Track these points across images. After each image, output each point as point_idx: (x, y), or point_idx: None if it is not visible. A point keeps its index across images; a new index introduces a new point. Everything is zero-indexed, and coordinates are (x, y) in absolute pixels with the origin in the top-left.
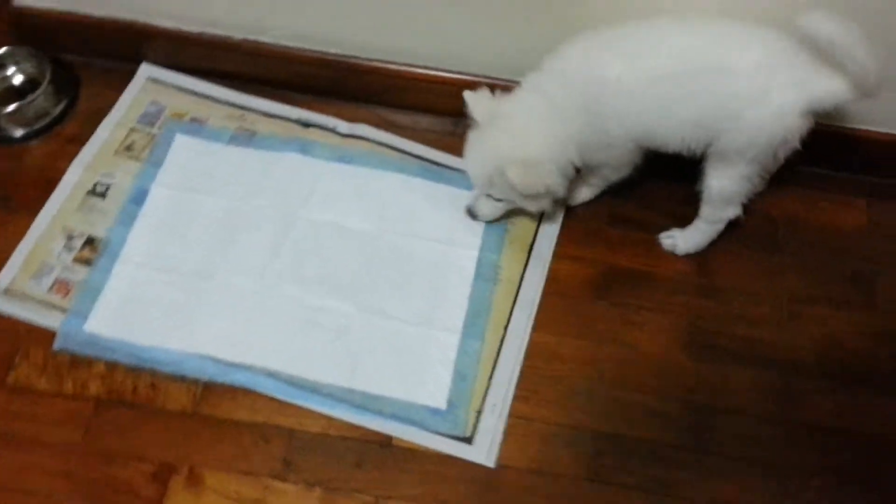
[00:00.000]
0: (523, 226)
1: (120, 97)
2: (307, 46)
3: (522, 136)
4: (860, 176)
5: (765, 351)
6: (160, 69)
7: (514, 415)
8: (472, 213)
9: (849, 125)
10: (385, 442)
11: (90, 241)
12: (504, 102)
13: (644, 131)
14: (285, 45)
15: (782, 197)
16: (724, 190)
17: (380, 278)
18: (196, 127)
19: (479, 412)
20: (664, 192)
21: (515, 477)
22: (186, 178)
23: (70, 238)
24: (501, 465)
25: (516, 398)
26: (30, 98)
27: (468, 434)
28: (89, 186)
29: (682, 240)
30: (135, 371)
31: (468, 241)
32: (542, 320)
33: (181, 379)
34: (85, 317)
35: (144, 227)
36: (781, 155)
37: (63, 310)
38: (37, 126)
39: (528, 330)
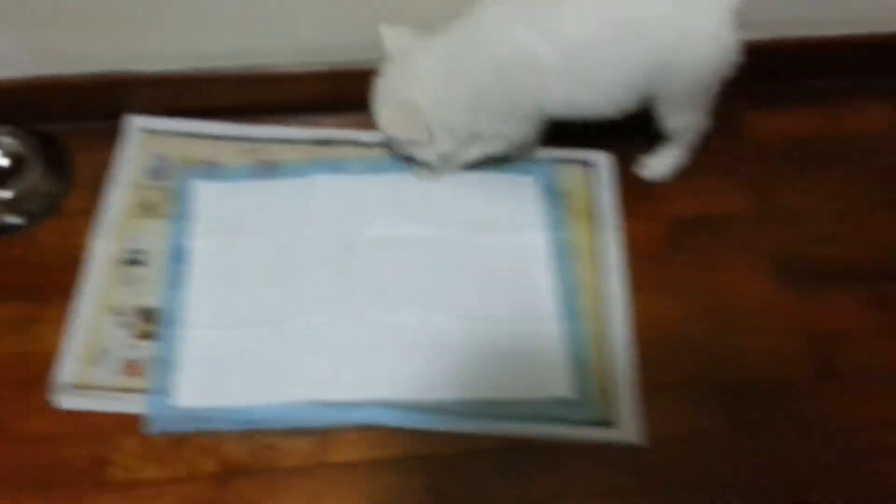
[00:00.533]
0: (580, 195)
1: (117, 157)
2: (305, 60)
3: (412, 80)
4: (869, 79)
5: (853, 265)
6: (150, 118)
7: (642, 386)
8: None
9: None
10: (527, 445)
11: (144, 314)
12: (418, 44)
13: (564, 103)
14: (281, 64)
15: (808, 113)
16: (687, 123)
17: (460, 283)
18: (211, 170)
19: (610, 391)
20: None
21: (667, 448)
22: (222, 224)
23: (121, 315)
24: (650, 441)
25: (638, 369)
26: (25, 181)
27: (607, 417)
28: (121, 256)
29: (657, 163)
30: (244, 436)
31: (532, 223)
32: (635, 285)
33: (297, 432)
34: (169, 392)
35: (197, 285)
36: (726, 74)
37: (142, 391)
38: (35, 210)
39: (625, 299)
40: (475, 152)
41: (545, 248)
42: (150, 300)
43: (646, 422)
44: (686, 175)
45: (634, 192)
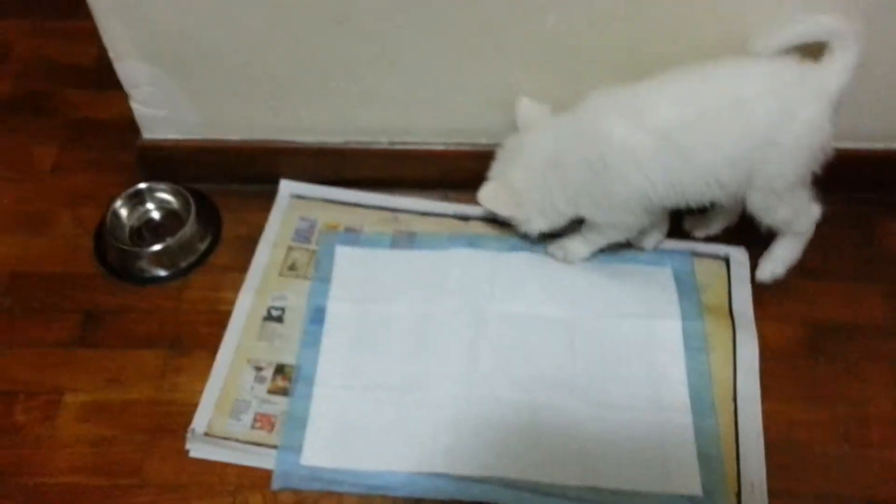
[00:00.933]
0: (716, 290)
1: (268, 218)
2: (454, 140)
3: (517, 162)
4: None
5: None
6: (301, 184)
7: (773, 493)
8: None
9: None
10: None
11: (280, 370)
12: (537, 125)
13: (659, 189)
14: (432, 142)
15: None
16: (786, 218)
17: (592, 366)
18: (353, 236)
19: (739, 494)
20: (841, 238)
21: None
22: (360, 289)
23: (259, 369)
24: None
25: (770, 474)
26: (179, 236)
27: None
28: (264, 312)
29: (777, 265)
30: (366, 499)
31: (667, 311)
32: (766, 386)
33: (418, 502)
34: (298, 450)
35: (332, 346)
36: (819, 166)
37: (272, 445)
38: (183, 264)
39: (759, 399)
40: (594, 239)
41: (679, 338)
42: (287, 357)
43: None
44: (823, 277)
45: (771, 290)
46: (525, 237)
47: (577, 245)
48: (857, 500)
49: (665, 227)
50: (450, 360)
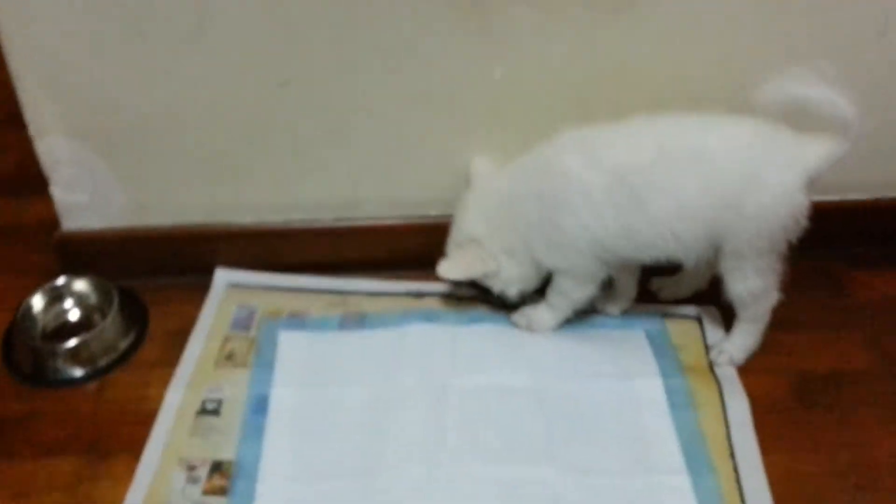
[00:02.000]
0: (692, 350)
1: (201, 311)
2: (404, 213)
3: (469, 214)
4: None
5: None
6: (239, 272)
7: None
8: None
9: None
10: None
11: (217, 467)
12: (488, 179)
13: (611, 232)
14: (381, 216)
15: None
16: (754, 290)
17: (569, 434)
18: (298, 321)
19: None
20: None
21: None
22: (307, 373)
23: (192, 468)
24: None
25: None
26: (98, 329)
27: None
28: (197, 406)
29: (735, 349)
30: None
31: (644, 370)
32: (764, 439)
33: None
34: None
35: (277, 436)
36: (794, 235)
37: None
38: (103, 363)
39: (758, 454)
40: (558, 303)
41: (662, 395)
42: (225, 453)
43: None
44: (800, 329)
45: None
46: (499, 302)
47: (541, 313)
48: None
49: (632, 293)
50: (412, 440)
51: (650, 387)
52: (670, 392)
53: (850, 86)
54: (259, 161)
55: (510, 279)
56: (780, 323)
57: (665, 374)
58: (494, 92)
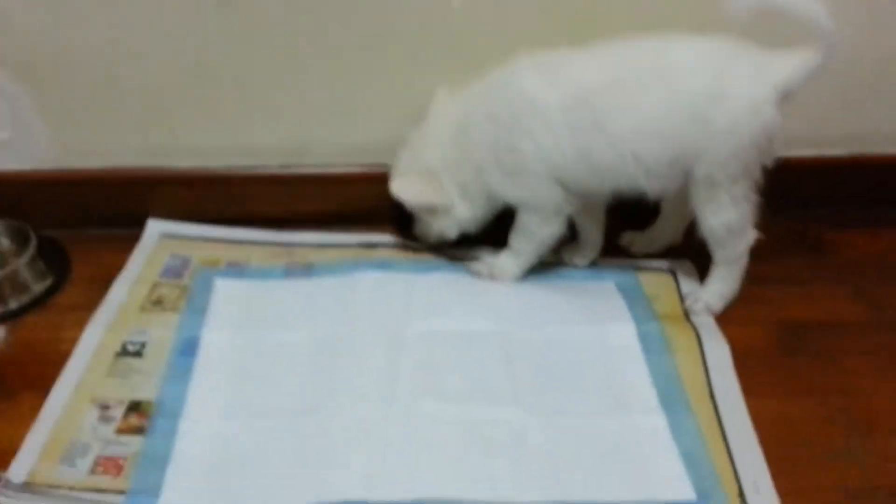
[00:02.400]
0: (666, 300)
1: (129, 257)
2: (357, 161)
3: (427, 143)
4: None
5: None
6: (174, 223)
7: (782, 491)
8: (415, 235)
9: None
10: None
11: (135, 407)
12: (444, 108)
13: (568, 156)
14: (332, 163)
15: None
16: (729, 223)
17: (535, 377)
18: (236, 270)
19: (742, 495)
20: (791, 249)
21: None
22: (245, 319)
23: (105, 408)
24: None
25: (775, 472)
26: (7, 269)
27: None
28: (117, 348)
29: (713, 297)
30: None
31: (616, 316)
32: (747, 385)
33: None
34: (155, 492)
35: (207, 376)
36: (767, 159)
37: (118, 491)
38: (14, 305)
39: (740, 395)
40: (521, 246)
41: (635, 340)
42: (146, 393)
43: None
44: (782, 284)
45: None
46: (445, 247)
47: (503, 260)
48: (880, 490)
49: (598, 242)
50: (361, 380)
51: (622, 332)
52: (644, 337)
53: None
54: (196, 97)
55: (458, 219)
56: (761, 279)
57: (638, 321)
58: (453, 23)
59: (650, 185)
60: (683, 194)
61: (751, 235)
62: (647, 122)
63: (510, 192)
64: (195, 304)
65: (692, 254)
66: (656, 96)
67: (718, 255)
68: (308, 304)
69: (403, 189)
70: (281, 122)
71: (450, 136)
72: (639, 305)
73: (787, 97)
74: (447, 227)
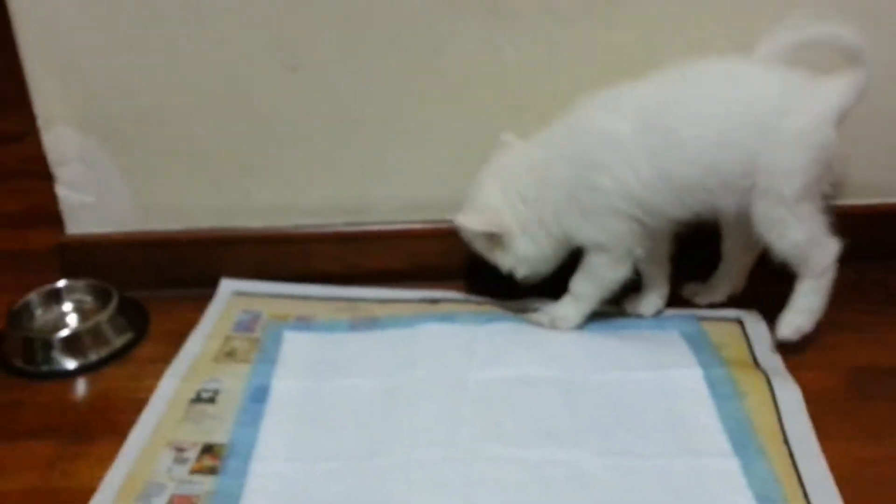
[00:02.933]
0: (734, 348)
1: (204, 313)
2: (419, 217)
3: (490, 182)
4: None
5: None
6: (245, 282)
7: None
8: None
9: None
10: None
11: (208, 449)
12: (508, 152)
13: (645, 178)
14: (395, 220)
15: None
16: (799, 240)
17: (600, 419)
18: (304, 324)
19: None
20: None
21: None
22: (313, 368)
23: (181, 450)
24: None
25: None
26: (92, 321)
27: None
28: (192, 395)
29: (801, 315)
30: None
31: (682, 362)
32: (821, 429)
33: None
34: None
35: (277, 421)
36: (827, 183)
37: None
38: (93, 357)
39: (815, 439)
40: (584, 292)
41: (703, 385)
42: (218, 437)
43: None
44: (849, 329)
45: (796, 344)
46: (506, 299)
47: (564, 307)
48: None
49: (664, 290)
50: (421, 425)
51: (689, 376)
52: (711, 382)
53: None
54: (267, 157)
55: (522, 256)
56: (831, 325)
57: (705, 366)
58: (506, 78)
59: (725, 202)
60: (745, 238)
61: (834, 246)
62: (720, 133)
63: (584, 233)
64: (266, 355)
65: (759, 301)
66: (727, 108)
67: (802, 270)
68: (372, 354)
69: (468, 220)
70: (344, 181)
71: (520, 178)
72: (705, 352)
73: (842, 120)
74: (513, 264)
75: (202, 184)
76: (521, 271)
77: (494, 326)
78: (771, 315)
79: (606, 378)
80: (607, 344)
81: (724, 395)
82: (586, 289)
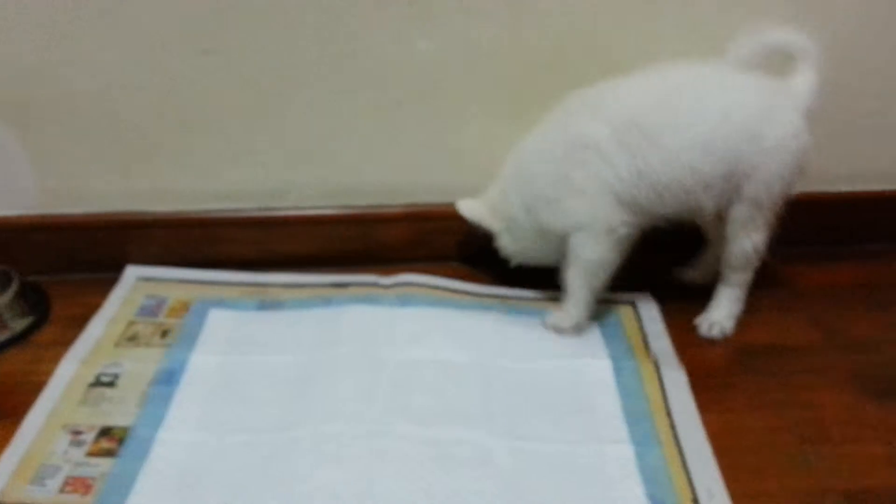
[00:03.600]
0: (632, 329)
1: (107, 299)
2: (334, 203)
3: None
4: None
5: None
6: (151, 268)
7: (735, 497)
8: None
9: None
10: None
11: (106, 432)
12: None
13: (623, 175)
14: (308, 206)
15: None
16: (759, 244)
17: (510, 404)
18: (218, 302)
19: (696, 501)
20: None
21: None
22: (233, 344)
23: (77, 434)
24: None
25: (727, 478)
26: None
27: None
28: (90, 379)
29: (724, 318)
30: None
31: (594, 353)
32: (703, 402)
33: None
34: (124, 496)
35: (190, 395)
36: (794, 184)
37: None
38: None
39: (695, 410)
40: (575, 280)
41: (610, 375)
42: (118, 420)
43: None
44: (745, 312)
45: (689, 325)
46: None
47: (562, 309)
48: (832, 493)
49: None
50: (337, 402)
51: (599, 367)
52: (619, 373)
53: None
54: (177, 140)
55: (510, 248)
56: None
57: (614, 358)
58: (422, 69)
59: (708, 202)
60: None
61: (758, 258)
62: (701, 136)
63: (559, 220)
64: (187, 335)
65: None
66: (708, 112)
67: (734, 277)
68: (295, 332)
69: (467, 209)
70: (257, 167)
71: (508, 175)
72: (617, 343)
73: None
74: (506, 252)
75: (110, 167)
76: (516, 259)
77: (415, 310)
78: (660, 298)
79: (520, 366)
80: (525, 333)
81: (629, 386)
82: (573, 280)
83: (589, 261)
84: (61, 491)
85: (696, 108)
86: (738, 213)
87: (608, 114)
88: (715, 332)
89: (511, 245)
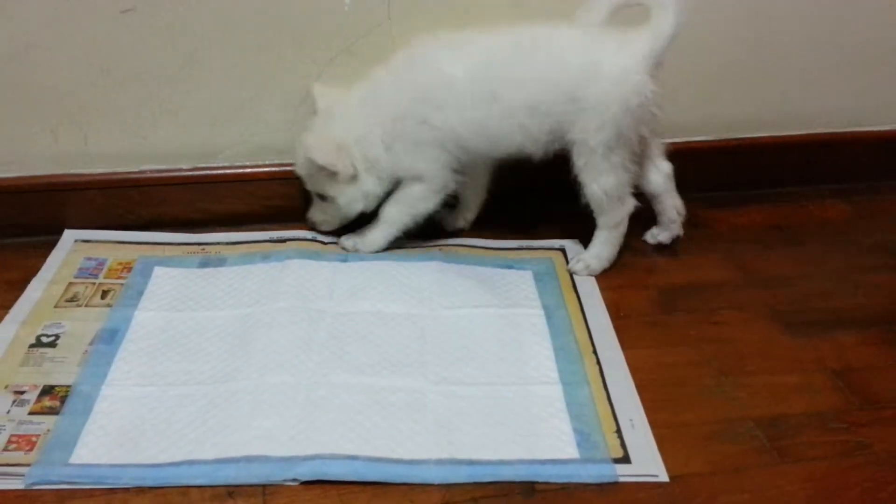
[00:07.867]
0: (561, 272)
1: (45, 262)
2: (267, 161)
3: (332, 119)
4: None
5: (856, 313)
6: (90, 231)
7: (656, 426)
8: (311, 222)
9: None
10: (528, 490)
11: (49, 391)
12: (342, 94)
13: (477, 126)
14: (241, 164)
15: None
16: (608, 187)
17: (445, 352)
18: (160, 259)
19: (619, 431)
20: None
21: (697, 484)
22: (176, 300)
23: (19, 393)
24: (675, 477)
25: (649, 409)
26: None
27: (620, 455)
28: (31, 341)
29: (593, 259)
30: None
31: (528, 301)
32: (628, 341)
33: (226, 492)
34: (66, 460)
35: (133, 351)
36: (644, 127)
37: (29, 464)
38: None
39: (618, 346)
40: (393, 216)
41: (544, 321)
42: (60, 378)
43: (666, 459)
44: (663, 254)
45: (617, 268)
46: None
47: (372, 233)
48: (747, 420)
49: (472, 215)
50: (276, 353)
51: (533, 315)
52: (550, 318)
53: None
54: (104, 102)
55: (363, 191)
56: (643, 251)
57: (546, 306)
58: (345, 24)
59: (534, 150)
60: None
61: (630, 204)
62: (532, 97)
63: (409, 162)
64: (131, 293)
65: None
66: (539, 75)
67: (600, 220)
68: (237, 286)
69: (315, 146)
70: (188, 126)
71: (357, 113)
72: (549, 288)
73: (657, 65)
74: (353, 201)
75: (38, 130)
76: (356, 208)
77: (357, 264)
78: (587, 244)
79: (456, 313)
80: (463, 283)
81: (560, 331)
82: (397, 216)
83: (417, 208)
84: (5, 448)
85: (529, 72)
86: (577, 160)
87: (466, 58)
88: (579, 268)
89: (368, 190)
